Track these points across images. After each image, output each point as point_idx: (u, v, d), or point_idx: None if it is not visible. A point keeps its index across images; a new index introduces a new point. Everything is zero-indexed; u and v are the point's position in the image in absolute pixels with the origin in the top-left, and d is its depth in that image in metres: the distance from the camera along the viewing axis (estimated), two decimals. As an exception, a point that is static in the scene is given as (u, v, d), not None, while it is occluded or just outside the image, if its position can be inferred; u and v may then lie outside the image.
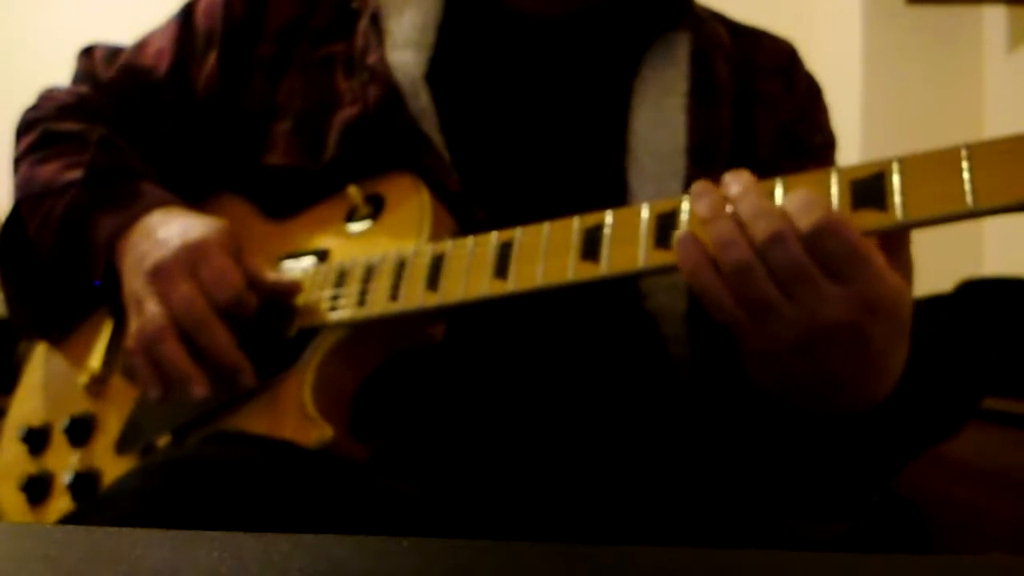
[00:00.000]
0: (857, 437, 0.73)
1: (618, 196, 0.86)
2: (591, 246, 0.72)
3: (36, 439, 0.96)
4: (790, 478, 0.81)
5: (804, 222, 0.63)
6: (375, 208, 0.88)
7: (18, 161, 1.00)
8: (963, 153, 0.62)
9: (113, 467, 0.88)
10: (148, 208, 0.89)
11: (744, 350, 0.69)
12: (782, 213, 0.64)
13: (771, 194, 0.67)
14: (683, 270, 0.67)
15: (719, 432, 0.85)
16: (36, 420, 0.98)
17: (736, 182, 0.67)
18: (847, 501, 0.80)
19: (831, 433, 0.73)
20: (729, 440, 0.85)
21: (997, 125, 2.52)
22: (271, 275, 0.86)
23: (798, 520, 0.80)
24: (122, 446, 0.89)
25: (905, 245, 0.70)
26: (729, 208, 0.66)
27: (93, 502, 0.74)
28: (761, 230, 0.64)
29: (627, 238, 0.71)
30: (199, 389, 0.80)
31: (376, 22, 0.92)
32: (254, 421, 0.82)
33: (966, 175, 0.61)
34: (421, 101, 0.88)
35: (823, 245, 0.63)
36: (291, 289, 0.85)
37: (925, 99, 2.64)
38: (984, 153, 0.62)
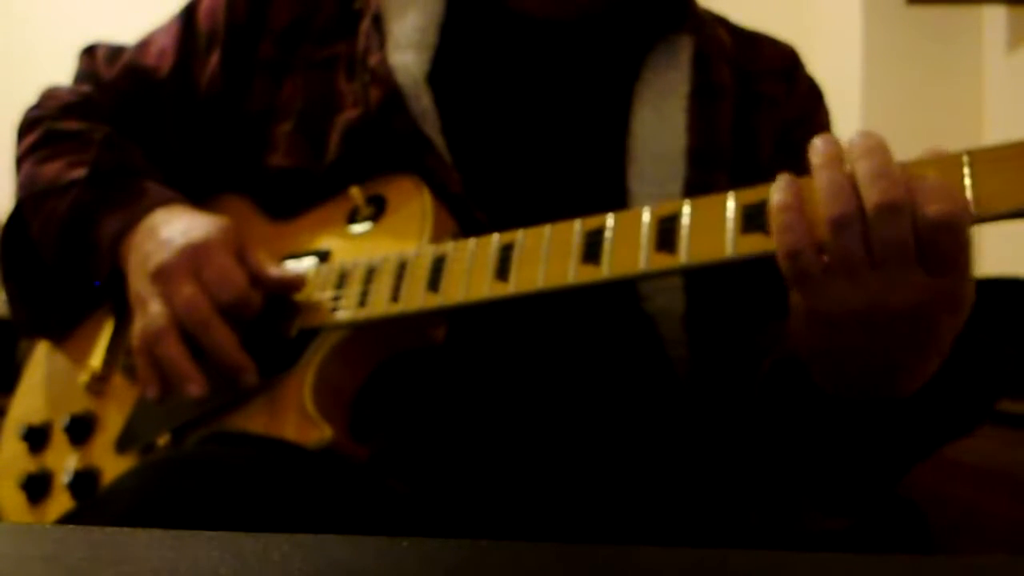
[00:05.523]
0: (876, 426, 0.72)
1: (618, 199, 0.86)
2: (592, 249, 0.72)
3: (36, 437, 0.96)
4: (798, 468, 0.80)
5: (934, 208, 0.60)
6: (377, 209, 0.88)
7: (20, 160, 1.00)
8: (964, 159, 0.62)
9: (113, 466, 0.88)
10: (152, 207, 0.90)
11: (801, 309, 0.67)
12: (906, 183, 0.61)
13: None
14: (775, 203, 0.64)
15: (717, 433, 0.86)
16: (37, 418, 0.98)
17: (865, 139, 0.64)
18: (855, 493, 0.80)
19: (850, 421, 0.72)
20: (727, 440, 0.85)
21: (997, 125, 2.52)
22: (274, 271, 0.86)
23: (806, 512, 0.80)
24: (122, 445, 0.89)
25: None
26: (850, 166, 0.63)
27: (92, 501, 0.74)
28: (879, 193, 0.61)
29: (628, 241, 0.71)
30: (195, 388, 0.80)
31: (378, 23, 0.92)
32: (254, 421, 0.82)
33: (967, 181, 0.61)
34: (423, 103, 0.88)
35: (941, 238, 0.60)
36: (296, 284, 0.85)
37: (925, 99, 2.64)
38: (985, 159, 0.62)
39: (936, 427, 0.75)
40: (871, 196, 0.61)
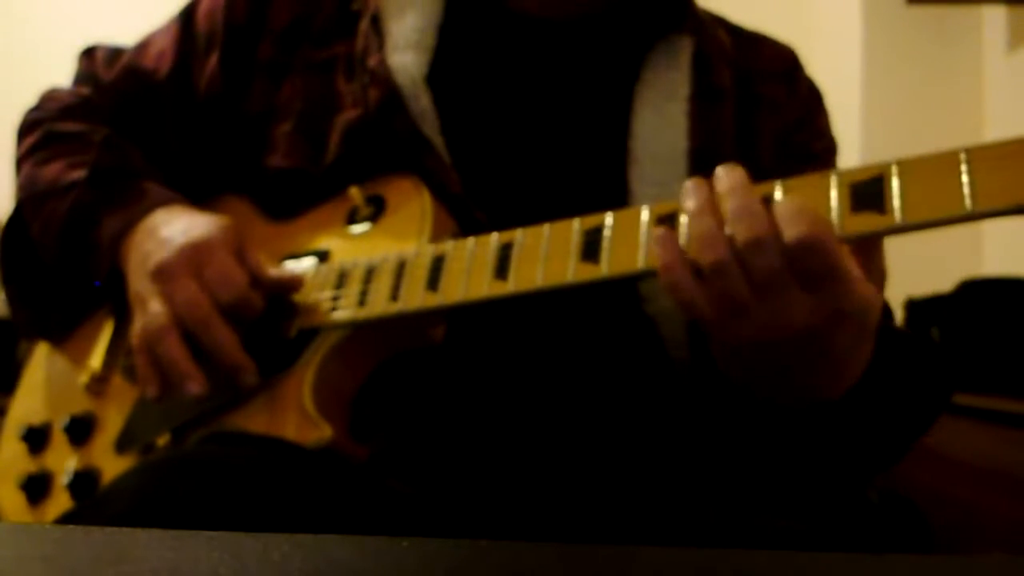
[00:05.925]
0: (814, 432, 0.75)
1: (619, 199, 0.86)
2: (591, 247, 0.72)
3: (36, 438, 0.96)
4: (756, 471, 0.82)
5: (789, 233, 0.64)
6: (376, 209, 0.88)
7: (20, 161, 1.00)
8: (962, 156, 0.62)
9: (113, 466, 0.88)
10: (152, 207, 0.90)
11: (711, 341, 0.71)
12: (767, 216, 0.65)
13: (770, 197, 0.67)
14: (658, 265, 0.67)
15: (718, 433, 0.86)
16: (36, 419, 0.98)
17: (727, 177, 0.68)
18: (815, 495, 0.81)
19: (790, 425, 0.75)
20: (728, 441, 0.85)
21: (997, 125, 2.53)
22: (273, 271, 0.86)
23: (766, 515, 0.81)
24: (122, 445, 0.89)
25: (879, 250, 0.71)
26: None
27: (92, 501, 0.74)
28: (744, 231, 0.64)
29: (627, 240, 0.71)
30: (195, 387, 0.80)
31: (377, 24, 0.92)
32: (254, 420, 0.82)
33: (965, 178, 0.62)
34: (422, 103, 0.88)
35: (803, 259, 0.64)
36: (293, 284, 0.86)
37: (925, 99, 2.64)
38: (983, 156, 0.62)
39: (880, 430, 0.77)
40: (738, 235, 0.65)
